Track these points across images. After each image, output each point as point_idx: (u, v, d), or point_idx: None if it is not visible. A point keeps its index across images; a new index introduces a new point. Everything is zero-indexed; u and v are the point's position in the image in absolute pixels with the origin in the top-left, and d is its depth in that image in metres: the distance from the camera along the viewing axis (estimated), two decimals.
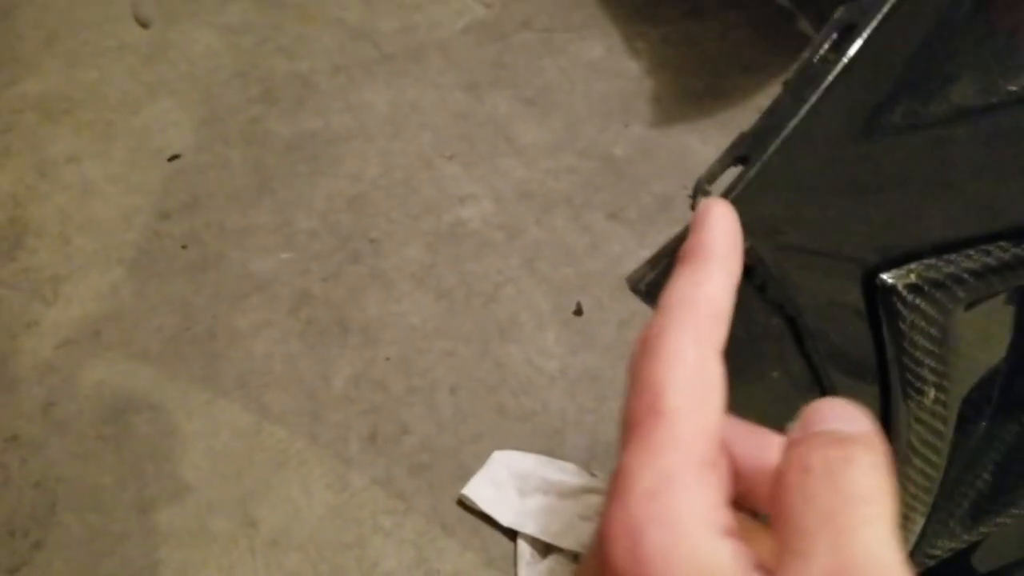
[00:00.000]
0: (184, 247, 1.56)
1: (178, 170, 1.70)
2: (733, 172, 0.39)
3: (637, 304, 0.43)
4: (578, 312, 1.49)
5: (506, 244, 1.59)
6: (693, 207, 0.43)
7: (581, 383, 1.40)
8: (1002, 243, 0.49)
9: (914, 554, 0.67)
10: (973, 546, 0.74)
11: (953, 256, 0.48)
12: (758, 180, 0.38)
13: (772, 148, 0.38)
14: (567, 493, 1.24)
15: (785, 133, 0.38)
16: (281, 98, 1.85)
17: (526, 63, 1.96)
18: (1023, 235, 0.49)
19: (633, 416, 0.25)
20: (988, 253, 0.49)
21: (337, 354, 1.42)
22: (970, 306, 0.51)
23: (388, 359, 1.42)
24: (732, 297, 0.29)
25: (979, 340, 0.61)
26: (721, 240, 0.30)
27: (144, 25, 2.02)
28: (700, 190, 0.40)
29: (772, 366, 0.49)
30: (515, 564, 1.19)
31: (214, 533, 1.22)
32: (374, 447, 1.31)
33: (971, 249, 0.48)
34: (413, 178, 1.70)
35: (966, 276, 0.48)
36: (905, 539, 0.63)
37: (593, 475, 1.27)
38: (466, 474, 1.28)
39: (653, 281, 0.37)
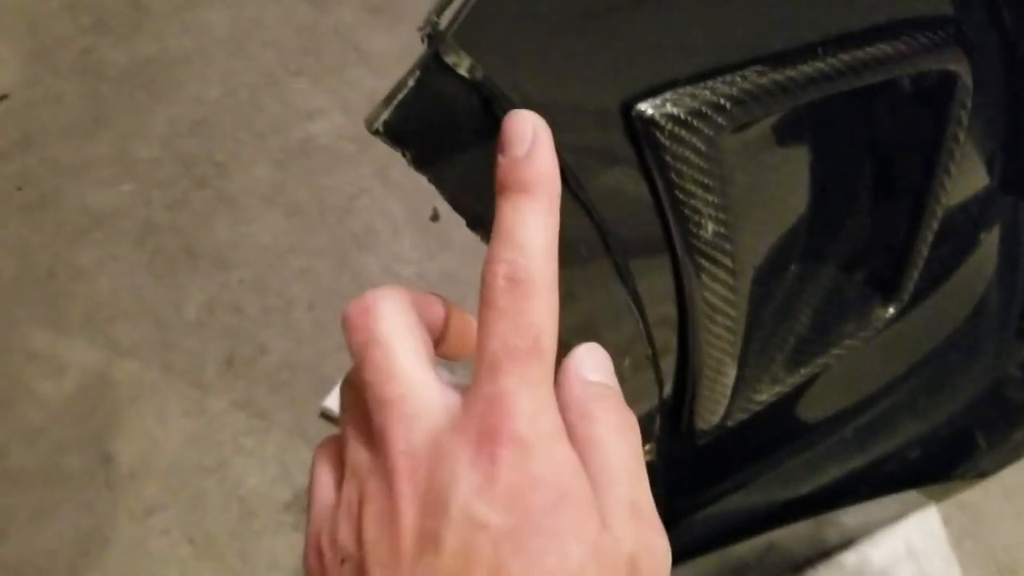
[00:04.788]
0: (19, 188, 1.49)
1: (8, 110, 1.61)
2: None
3: None
4: (434, 218, 1.47)
5: (358, 155, 1.55)
6: (424, 39, 0.40)
7: (439, 286, 1.39)
8: (758, 67, 0.48)
9: (735, 400, 0.67)
10: (798, 393, 0.75)
11: (709, 83, 0.47)
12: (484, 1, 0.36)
13: None
14: None
15: None
16: (114, 26, 1.75)
17: None
18: (779, 59, 0.49)
19: (515, 350, 0.32)
20: (744, 79, 0.48)
21: (187, 282, 1.38)
22: (738, 130, 0.51)
23: (242, 282, 1.39)
24: None
25: (772, 177, 0.61)
26: (553, 171, 0.35)
27: None
28: (430, 23, 0.37)
29: None
30: None
31: (68, 472, 1.19)
32: (232, 370, 1.29)
33: (727, 75, 0.48)
34: (258, 97, 1.64)
35: (723, 103, 0.47)
36: (721, 381, 0.63)
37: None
38: (329, 386, 1.27)
39: (389, 120, 0.36)
